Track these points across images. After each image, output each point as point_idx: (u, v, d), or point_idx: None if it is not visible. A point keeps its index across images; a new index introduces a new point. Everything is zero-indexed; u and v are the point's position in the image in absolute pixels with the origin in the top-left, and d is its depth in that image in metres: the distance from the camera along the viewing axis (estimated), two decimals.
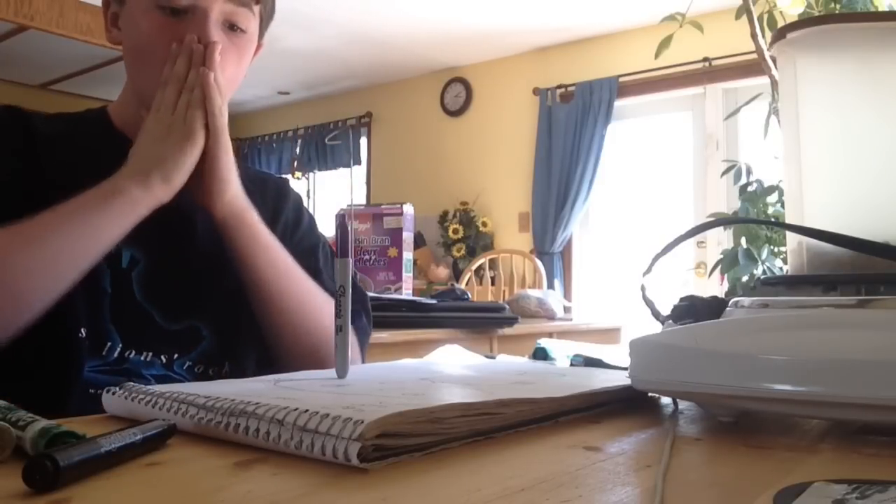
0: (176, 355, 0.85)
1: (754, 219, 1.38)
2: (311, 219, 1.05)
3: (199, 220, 0.89)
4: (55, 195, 0.74)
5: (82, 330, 0.79)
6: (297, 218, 1.02)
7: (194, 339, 0.86)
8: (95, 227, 0.74)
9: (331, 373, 0.67)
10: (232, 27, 0.83)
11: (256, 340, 0.91)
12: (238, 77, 0.87)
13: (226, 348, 0.88)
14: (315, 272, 0.95)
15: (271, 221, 0.95)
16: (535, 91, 4.95)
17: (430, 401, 0.46)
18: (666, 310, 0.61)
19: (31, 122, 0.84)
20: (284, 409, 0.43)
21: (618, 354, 0.84)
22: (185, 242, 0.88)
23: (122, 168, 0.77)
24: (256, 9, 0.86)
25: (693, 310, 0.58)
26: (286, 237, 0.97)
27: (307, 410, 0.42)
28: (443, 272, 4.97)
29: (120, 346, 0.81)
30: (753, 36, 1.26)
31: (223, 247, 0.87)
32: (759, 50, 1.26)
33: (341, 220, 0.65)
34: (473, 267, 4.06)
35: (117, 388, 0.53)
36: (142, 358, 0.82)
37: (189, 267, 0.87)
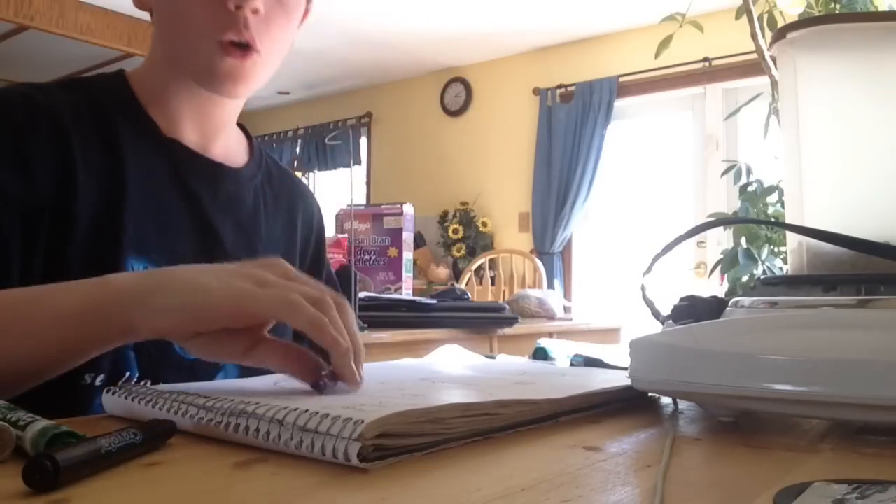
0: None
1: (754, 219, 1.38)
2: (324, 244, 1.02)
3: (227, 236, 0.84)
4: (85, 181, 0.71)
5: (87, 376, 0.71)
6: (320, 252, 0.99)
7: (212, 369, 0.80)
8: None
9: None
10: None
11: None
12: (287, 41, 0.82)
13: (244, 375, 0.81)
14: None
15: (287, 226, 0.93)
16: (535, 91, 4.95)
17: (430, 401, 0.46)
18: (666, 310, 0.61)
19: (55, 105, 0.75)
20: (284, 408, 0.43)
21: (618, 354, 0.84)
22: (210, 260, 0.79)
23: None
24: None
25: (693, 310, 0.58)
26: (304, 261, 0.95)
27: (307, 410, 0.42)
28: (443, 272, 4.97)
29: (137, 376, 0.75)
30: (753, 36, 1.27)
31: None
32: (759, 50, 1.26)
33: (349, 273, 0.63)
34: (473, 267, 4.06)
35: (117, 389, 0.53)
36: None
37: None
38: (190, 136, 0.84)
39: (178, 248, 0.79)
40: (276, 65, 0.83)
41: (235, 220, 0.86)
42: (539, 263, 4.11)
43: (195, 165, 0.84)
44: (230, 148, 0.90)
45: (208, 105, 0.84)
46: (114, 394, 0.52)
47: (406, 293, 2.33)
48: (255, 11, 0.76)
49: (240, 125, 0.95)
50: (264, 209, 0.91)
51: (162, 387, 0.53)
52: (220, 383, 0.70)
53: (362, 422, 0.39)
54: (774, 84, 1.21)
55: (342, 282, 0.60)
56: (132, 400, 0.51)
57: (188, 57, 0.78)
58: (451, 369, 0.73)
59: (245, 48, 0.77)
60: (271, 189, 0.94)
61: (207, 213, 0.83)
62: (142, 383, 0.74)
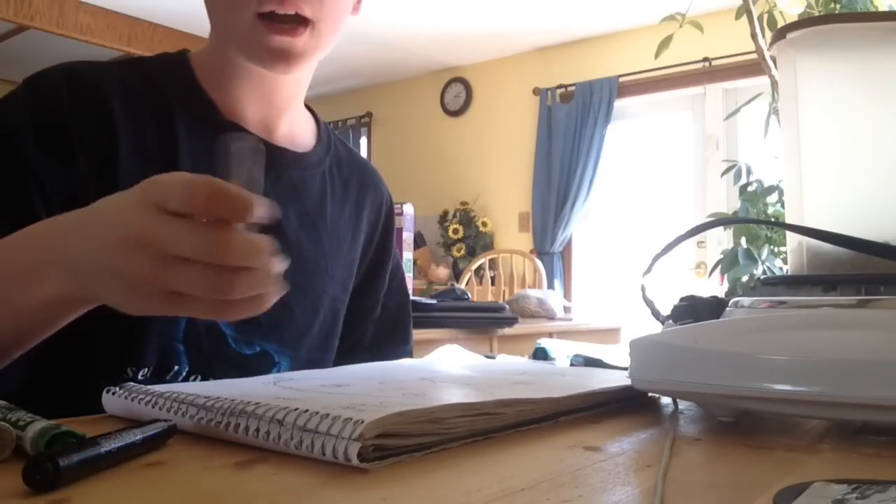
0: None
1: (754, 219, 1.38)
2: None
3: (290, 223, 0.80)
4: (129, 159, 0.69)
5: (129, 369, 0.69)
6: (387, 241, 0.95)
7: (266, 365, 0.77)
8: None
9: (330, 373, 0.67)
10: None
11: (327, 361, 0.84)
12: (345, 6, 0.76)
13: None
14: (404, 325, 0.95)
15: (354, 212, 0.89)
16: (535, 91, 4.95)
17: (430, 401, 0.46)
18: (666, 310, 0.61)
19: (100, 84, 0.72)
20: (284, 409, 0.43)
21: (618, 354, 0.84)
22: None
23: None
24: None
25: (693, 310, 0.58)
26: (368, 248, 0.91)
27: (307, 410, 0.42)
28: (443, 272, 4.97)
29: (186, 370, 0.71)
30: (753, 36, 1.27)
31: (314, 258, 0.80)
32: (759, 50, 1.26)
33: None
34: (473, 267, 4.06)
35: (117, 388, 0.53)
36: None
37: None
38: (252, 117, 0.80)
39: None
40: (336, 34, 0.76)
41: (299, 208, 0.82)
42: (539, 263, 4.11)
43: None
44: (296, 130, 0.85)
45: (268, 83, 0.78)
46: (114, 394, 0.52)
47: None
48: None
49: (308, 108, 0.90)
50: (332, 196, 0.87)
51: (162, 387, 0.53)
52: (219, 383, 0.70)
53: (362, 422, 0.39)
54: (774, 84, 1.21)
55: None
56: (132, 400, 0.51)
57: (230, 33, 0.74)
58: (451, 369, 0.73)
59: (294, 20, 0.70)
60: (340, 174, 0.89)
61: (270, 199, 0.80)
62: (191, 378, 0.72)
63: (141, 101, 0.74)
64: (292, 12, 0.70)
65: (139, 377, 0.70)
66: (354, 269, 0.90)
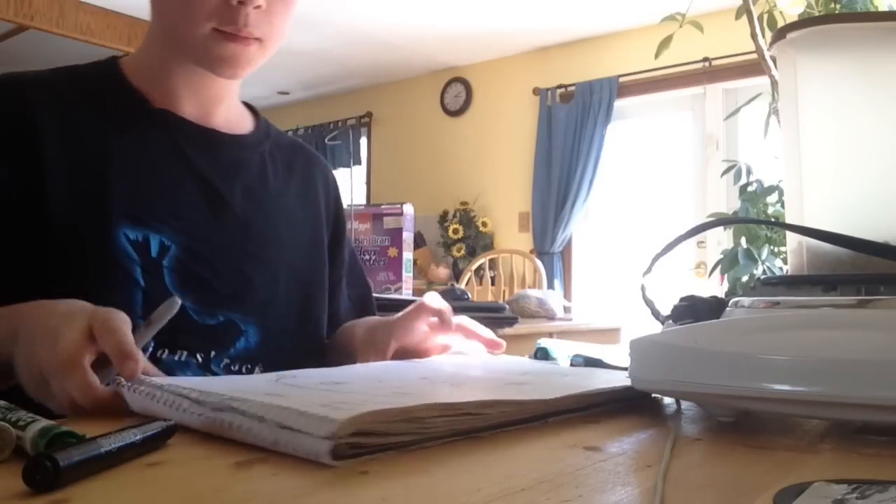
0: (213, 353, 0.78)
1: (754, 219, 1.38)
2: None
3: (235, 197, 0.83)
4: (57, 158, 0.72)
5: None
6: (340, 215, 1.00)
7: (232, 335, 0.79)
8: None
9: (334, 371, 0.67)
10: None
11: (308, 334, 0.87)
12: (287, 26, 0.82)
13: (269, 344, 0.82)
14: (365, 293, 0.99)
15: (304, 194, 0.92)
16: (535, 91, 4.94)
17: (417, 399, 0.46)
18: (666, 310, 0.61)
19: (24, 89, 0.78)
20: (266, 405, 0.43)
21: (618, 354, 0.84)
22: (219, 224, 0.81)
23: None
24: None
25: (693, 310, 0.58)
26: (330, 223, 0.96)
27: (287, 408, 0.42)
28: (443, 272, 4.97)
29: (152, 345, 0.74)
30: (753, 36, 1.26)
31: (263, 228, 0.84)
32: (759, 50, 1.26)
33: None
34: (473, 267, 4.06)
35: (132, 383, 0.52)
36: (176, 358, 0.75)
37: (224, 252, 0.80)
38: (187, 109, 0.84)
39: (184, 214, 0.79)
40: (280, 43, 0.83)
41: (243, 185, 0.85)
42: (539, 263, 4.11)
43: (191, 133, 0.83)
44: (232, 118, 0.89)
45: (205, 81, 0.83)
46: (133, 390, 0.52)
47: (406, 293, 2.32)
48: (258, 7, 0.76)
49: (247, 104, 0.95)
50: (273, 174, 0.90)
51: (158, 379, 0.53)
52: (220, 379, 0.70)
53: (336, 420, 0.39)
54: (774, 84, 1.21)
55: None
56: (132, 391, 0.51)
57: (186, 42, 0.78)
58: (453, 368, 0.73)
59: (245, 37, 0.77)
60: (282, 156, 0.93)
61: (211, 179, 0.82)
62: (159, 353, 0.74)
63: (71, 105, 0.79)
64: (246, 35, 0.77)
65: None
66: (322, 244, 0.94)
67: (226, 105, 0.87)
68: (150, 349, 0.74)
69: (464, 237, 5.10)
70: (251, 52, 0.78)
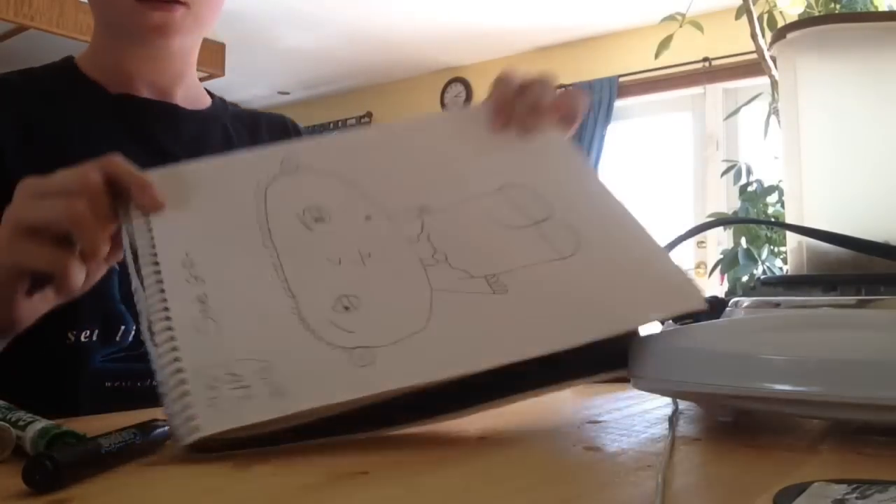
0: None
1: (754, 219, 1.38)
2: None
3: None
4: (15, 158, 0.73)
5: (70, 334, 0.72)
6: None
7: None
8: None
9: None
10: None
11: None
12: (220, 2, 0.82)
13: None
14: None
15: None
16: None
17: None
18: None
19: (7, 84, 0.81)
20: (173, 361, 0.43)
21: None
22: None
23: None
24: None
25: None
26: None
27: (180, 371, 0.43)
28: None
29: (134, 328, 0.73)
30: (753, 36, 1.27)
31: None
32: (759, 50, 1.26)
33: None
34: None
35: None
36: None
37: None
38: (145, 92, 0.84)
39: None
40: (214, 11, 0.82)
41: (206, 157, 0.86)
42: None
43: (151, 111, 0.84)
44: (191, 97, 0.89)
45: (158, 61, 0.83)
46: None
47: None
48: None
49: (207, 91, 0.95)
50: (240, 144, 0.90)
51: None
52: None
53: (197, 429, 0.40)
54: (774, 84, 1.21)
55: None
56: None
57: (112, 15, 0.78)
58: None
59: (170, 1, 0.75)
60: (244, 127, 0.93)
61: (176, 154, 0.80)
62: (141, 337, 0.74)
63: (30, 102, 0.80)
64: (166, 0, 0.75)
65: (83, 340, 0.72)
66: None
67: (185, 85, 0.88)
68: (133, 331, 0.74)
69: None
70: (177, 17, 0.77)
